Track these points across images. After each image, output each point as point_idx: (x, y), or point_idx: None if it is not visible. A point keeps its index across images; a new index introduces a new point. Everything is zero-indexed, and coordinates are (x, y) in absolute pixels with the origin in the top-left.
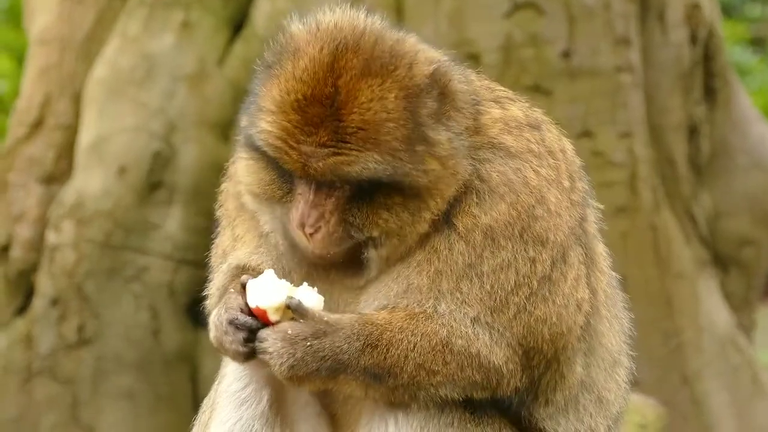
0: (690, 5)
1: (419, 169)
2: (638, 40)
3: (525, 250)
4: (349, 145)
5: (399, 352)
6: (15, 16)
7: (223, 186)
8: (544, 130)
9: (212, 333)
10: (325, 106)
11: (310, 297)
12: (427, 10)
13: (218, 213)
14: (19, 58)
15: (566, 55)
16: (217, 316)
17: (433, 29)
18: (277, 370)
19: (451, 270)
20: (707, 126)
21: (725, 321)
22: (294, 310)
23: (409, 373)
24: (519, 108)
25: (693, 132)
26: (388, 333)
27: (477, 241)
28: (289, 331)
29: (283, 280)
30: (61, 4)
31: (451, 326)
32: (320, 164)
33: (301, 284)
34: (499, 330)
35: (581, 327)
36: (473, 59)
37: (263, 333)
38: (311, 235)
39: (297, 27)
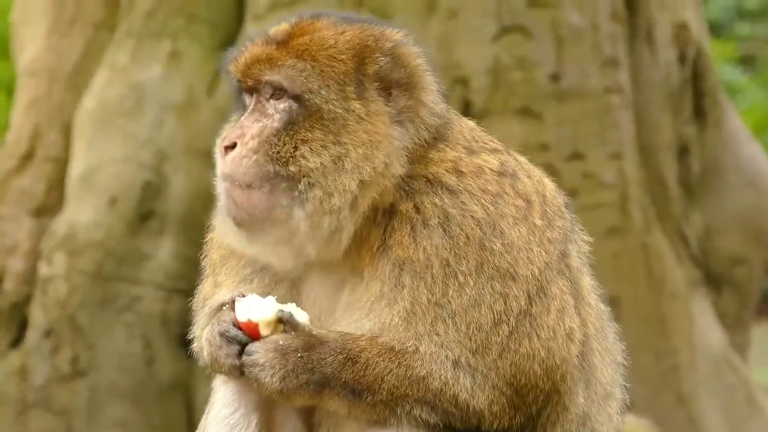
0: (678, 25)
1: (342, 105)
2: (627, 60)
3: (491, 286)
4: (287, 50)
5: (376, 372)
6: (4, 48)
7: (209, 236)
8: (521, 177)
9: (206, 351)
10: (283, 38)
11: (299, 313)
12: (416, 33)
13: (203, 262)
14: (9, 90)
15: (555, 77)
16: (210, 332)
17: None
18: (268, 382)
19: (422, 311)
20: (697, 146)
21: (719, 340)
22: (286, 323)
23: (387, 391)
24: (496, 158)
25: (683, 152)
26: (367, 353)
27: (433, 277)
28: (281, 342)
29: (270, 297)
30: (49, 35)
31: (431, 368)
32: (249, 54)
33: (287, 304)
34: (483, 372)
35: (578, 356)
36: (462, 83)
37: (252, 346)
38: (226, 151)
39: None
